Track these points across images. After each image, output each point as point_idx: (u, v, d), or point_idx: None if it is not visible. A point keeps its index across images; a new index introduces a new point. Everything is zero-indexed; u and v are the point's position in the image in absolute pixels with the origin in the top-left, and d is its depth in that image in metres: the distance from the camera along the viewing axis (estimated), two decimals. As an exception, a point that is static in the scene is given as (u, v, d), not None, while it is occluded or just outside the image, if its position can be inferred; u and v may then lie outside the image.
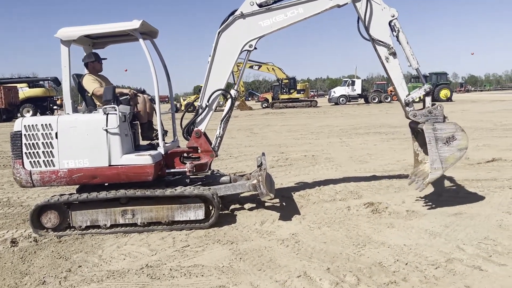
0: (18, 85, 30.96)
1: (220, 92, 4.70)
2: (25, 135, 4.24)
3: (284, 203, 5.12)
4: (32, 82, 32.89)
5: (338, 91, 40.71)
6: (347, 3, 4.54)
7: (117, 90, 4.71)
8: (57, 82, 34.41)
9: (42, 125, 4.25)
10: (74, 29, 4.42)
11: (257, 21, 4.49)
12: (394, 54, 4.70)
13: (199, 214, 4.29)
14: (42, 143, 4.24)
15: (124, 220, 4.27)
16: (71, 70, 4.49)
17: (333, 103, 39.95)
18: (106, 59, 5.11)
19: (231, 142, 11.93)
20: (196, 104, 4.89)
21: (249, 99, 58.93)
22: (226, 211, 4.87)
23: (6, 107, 27.88)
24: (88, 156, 4.27)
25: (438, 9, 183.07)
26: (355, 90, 40.08)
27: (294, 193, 5.56)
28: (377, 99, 39.99)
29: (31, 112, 29.87)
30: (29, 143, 4.24)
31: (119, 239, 4.07)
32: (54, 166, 4.24)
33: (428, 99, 4.82)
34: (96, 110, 4.65)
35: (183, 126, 4.86)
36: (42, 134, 4.24)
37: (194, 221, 4.31)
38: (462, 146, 4.48)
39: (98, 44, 5.10)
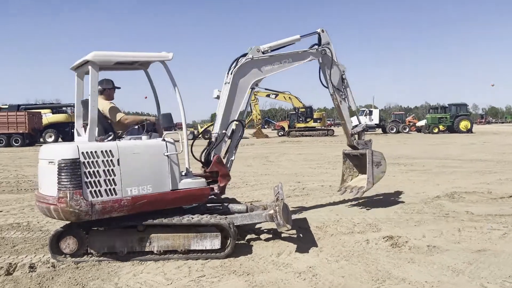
0: (42, 111, 31.92)
1: (236, 121, 5.22)
2: (83, 162, 3.93)
3: (301, 234, 5.06)
4: (56, 108, 33.92)
5: (355, 121, 40.59)
6: (321, 60, 6.08)
7: (142, 118, 4.89)
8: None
9: (102, 151, 4.02)
10: (108, 54, 4.32)
11: (261, 65, 5.37)
12: (344, 99, 6.34)
13: (215, 243, 4.26)
14: (104, 170, 4.00)
15: (141, 248, 4.27)
16: (72, 95, 4.61)
17: (350, 133, 39.76)
18: (120, 88, 5.23)
19: (247, 170, 11.95)
20: (212, 131, 5.14)
21: (265, 127, 59.23)
22: (242, 241, 4.82)
23: (30, 132, 28.63)
24: (151, 182, 4.24)
25: (459, 40, 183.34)
26: (372, 120, 39.95)
27: (311, 224, 5.50)
28: (395, 129, 39.75)
29: (53, 137, 30.66)
30: (89, 171, 3.94)
31: (135, 267, 4.06)
32: (116, 194, 4.04)
33: (362, 134, 6.54)
34: (123, 136, 4.70)
35: (201, 153, 5.08)
36: (102, 161, 4.01)
37: (210, 251, 4.28)
38: (384, 170, 6.42)
39: (109, 69, 4.97)
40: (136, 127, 4.93)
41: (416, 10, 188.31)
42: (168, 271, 3.93)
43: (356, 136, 6.45)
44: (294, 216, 5.68)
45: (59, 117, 32.10)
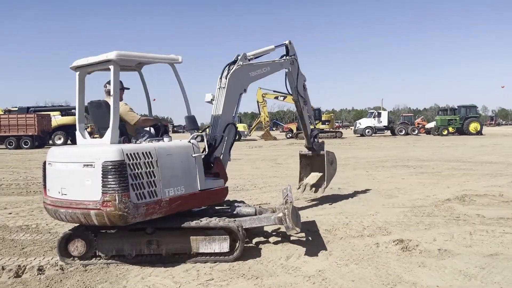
0: (51, 113, 32.20)
1: (231, 124, 5.35)
2: (129, 164, 3.85)
3: (310, 238, 5.01)
4: (65, 110, 34.18)
5: (364, 123, 40.46)
6: (289, 69, 6.64)
7: (155, 120, 4.91)
8: (87, 110, 35.57)
9: (143, 153, 3.98)
10: (130, 54, 4.27)
11: (250, 71, 5.68)
12: (306, 105, 7.09)
13: (224, 246, 4.23)
14: (145, 172, 3.97)
15: (149, 251, 4.26)
16: (80, 96, 4.52)
17: (359, 135, 39.64)
18: (129, 89, 5.15)
19: (256, 172, 11.92)
20: (208, 134, 5.19)
21: (274, 129, 59.17)
22: (251, 244, 4.79)
23: (39, 134, 28.86)
24: (183, 183, 4.30)
25: (468, 41, 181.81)
26: (381, 121, 39.74)
27: (320, 227, 5.45)
28: (404, 131, 39.50)
29: (62, 139, 30.89)
30: (134, 173, 3.87)
31: (144, 270, 4.05)
32: (156, 196, 4.03)
33: (318, 137, 7.34)
34: (137, 138, 4.68)
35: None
36: (144, 162, 3.97)
37: (219, 254, 4.25)
38: (335, 168, 7.36)
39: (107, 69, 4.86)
40: (148, 129, 4.92)
41: (426, 11, 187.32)
42: (176, 274, 3.91)
43: (313, 139, 7.21)
44: (302, 219, 5.63)
45: (68, 119, 32.34)
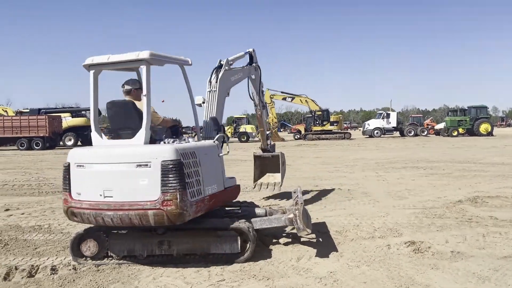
0: (62, 115, 32.56)
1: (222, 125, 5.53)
2: (184, 163, 3.89)
3: (320, 239, 5.00)
4: (75, 112, 34.57)
5: (372, 124, 40.28)
6: (254, 76, 7.09)
7: (174, 120, 4.97)
8: (98, 112, 35.91)
9: (190, 153, 4.04)
10: (161, 55, 4.28)
11: (232, 75, 6.13)
12: (264, 108, 7.70)
13: (235, 247, 4.24)
14: (194, 171, 4.04)
15: (161, 251, 4.28)
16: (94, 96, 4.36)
17: (367, 136, 39.45)
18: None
19: (265, 173, 11.89)
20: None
21: (281, 130, 59.12)
22: (261, 245, 4.79)
23: (50, 136, 29.19)
24: (216, 182, 4.46)
25: (478, 41, 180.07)
26: (390, 122, 39.55)
27: (330, 228, 5.43)
28: (413, 132, 39.24)
29: (72, 140, 31.24)
30: (187, 172, 3.92)
31: (155, 270, 4.07)
32: (201, 194, 4.13)
33: (270, 139, 7.90)
34: (156, 139, 4.58)
35: None
36: (192, 162, 4.04)
37: (230, 255, 4.26)
38: (285, 168, 8.02)
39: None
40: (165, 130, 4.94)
41: (435, 11, 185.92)
42: (187, 275, 3.92)
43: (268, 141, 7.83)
44: (313, 220, 5.61)
45: (78, 121, 32.71)
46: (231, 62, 6.24)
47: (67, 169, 4.15)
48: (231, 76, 6.10)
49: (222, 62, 5.96)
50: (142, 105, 4.42)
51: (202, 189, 4.13)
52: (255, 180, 7.76)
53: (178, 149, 3.89)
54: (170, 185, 3.76)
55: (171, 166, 3.76)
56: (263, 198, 7.78)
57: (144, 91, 4.11)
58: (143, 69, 4.11)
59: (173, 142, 4.40)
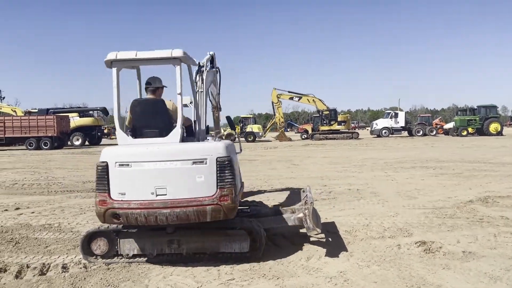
0: (70, 115, 32.83)
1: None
2: (233, 159, 4.13)
3: (330, 239, 4.97)
4: (83, 112, 34.88)
5: (380, 123, 40.07)
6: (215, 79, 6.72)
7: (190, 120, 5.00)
8: (105, 112, 36.24)
9: (231, 150, 4.31)
10: (190, 56, 4.46)
11: (208, 78, 5.82)
12: (220, 110, 7.28)
13: (244, 246, 4.24)
14: (236, 168, 4.32)
15: (170, 250, 4.28)
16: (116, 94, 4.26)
17: (375, 135, 39.25)
18: (167, 87, 5.07)
19: (272, 173, 11.89)
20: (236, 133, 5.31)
21: (288, 130, 59.05)
22: (271, 245, 4.78)
23: (58, 135, 29.43)
24: (239, 179, 4.64)
25: (487, 40, 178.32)
26: (398, 122, 39.32)
27: (340, 228, 5.40)
28: (421, 132, 38.99)
29: (80, 140, 31.49)
30: (235, 168, 4.24)
31: (165, 269, 4.08)
32: (238, 190, 4.32)
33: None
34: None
35: None
36: (233, 158, 4.23)
37: (239, 254, 4.25)
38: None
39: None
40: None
41: (443, 10, 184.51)
42: (197, 274, 3.93)
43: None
44: (322, 220, 5.59)
45: (86, 121, 32.97)
46: (207, 64, 6.19)
47: (104, 168, 3.95)
48: (209, 77, 6.06)
49: (201, 63, 5.87)
50: (168, 104, 4.60)
51: (238, 185, 4.33)
52: None
53: (227, 146, 4.08)
54: (226, 180, 3.91)
55: (226, 162, 3.92)
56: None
57: (178, 90, 4.18)
58: (176, 68, 4.18)
59: (202, 140, 4.62)
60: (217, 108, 7.36)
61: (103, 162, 3.97)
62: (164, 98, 4.81)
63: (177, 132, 4.19)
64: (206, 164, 3.89)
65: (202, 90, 5.56)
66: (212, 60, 6.79)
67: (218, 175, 3.89)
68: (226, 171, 3.91)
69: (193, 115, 5.41)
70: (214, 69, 6.84)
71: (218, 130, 7.67)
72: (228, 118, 5.25)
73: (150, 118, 4.47)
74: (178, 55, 4.12)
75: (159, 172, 3.90)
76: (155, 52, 4.23)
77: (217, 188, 3.89)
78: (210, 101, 7.15)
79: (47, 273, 4.05)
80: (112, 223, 4.13)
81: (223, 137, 7.67)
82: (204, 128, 5.27)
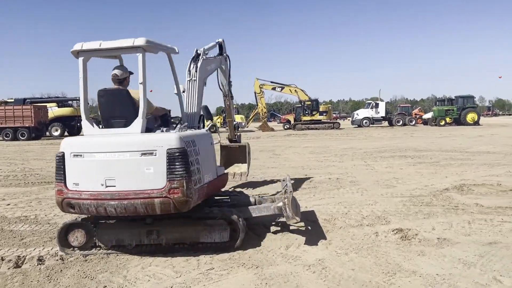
0: (48, 105, 32.03)
1: (201, 115, 5.50)
2: (188, 151, 3.90)
3: (309, 227, 5.02)
4: (61, 102, 34.02)
5: (361, 114, 40.47)
6: (223, 67, 7.04)
7: (165, 109, 4.93)
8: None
9: (191, 141, 4.06)
10: (156, 42, 4.21)
11: (209, 64, 6.12)
12: (232, 98, 7.66)
13: (224, 236, 4.24)
14: (195, 159, 4.05)
15: (149, 241, 4.25)
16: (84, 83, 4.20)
17: (356, 125, 39.66)
18: (133, 73, 4.70)
19: (254, 163, 11.88)
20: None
21: (271, 120, 59.10)
22: (250, 234, 4.80)
23: (36, 126, 28.78)
24: (211, 170, 4.48)
25: (465, 32, 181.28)
26: (378, 112, 39.78)
27: (319, 217, 5.46)
28: (401, 122, 39.56)
29: (59, 131, 30.81)
30: (191, 160, 3.94)
31: (144, 260, 4.05)
32: (202, 182, 4.17)
33: (237, 130, 7.85)
34: (151, 128, 4.49)
35: None
36: (193, 150, 4.06)
37: (219, 243, 4.26)
38: (251, 157, 8.08)
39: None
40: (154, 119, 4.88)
41: (423, 1, 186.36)
42: (177, 264, 3.91)
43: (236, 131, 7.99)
44: (301, 209, 5.63)
45: (65, 111, 32.21)
46: (207, 52, 6.18)
47: (61, 158, 3.99)
48: (207, 66, 6.06)
49: (199, 52, 5.90)
50: (134, 93, 4.35)
51: (202, 177, 4.17)
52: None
53: (182, 137, 3.90)
54: (176, 173, 3.75)
55: (177, 154, 3.76)
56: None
57: (140, 79, 4.04)
58: (139, 56, 4.02)
59: (167, 130, 4.39)
60: (228, 96, 7.46)
61: (60, 152, 4.03)
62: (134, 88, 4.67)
63: (138, 122, 4.04)
64: (155, 156, 3.77)
65: (195, 78, 5.52)
66: (220, 47, 6.83)
67: (167, 167, 3.75)
68: (177, 163, 3.75)
69: (185, 104, 5.33)
70: (220, 57, 6.80)
71: (230, 118, 7.81)
72: (205, 108, 5.17)
73: (115, 108, 4.38)
74: (140, 43, 3.98)
75: (109, 163, 3.86)
76: (118, 41, 4.10)
77: (166, 181, 3.76)
78: (220, 89, 7.36)
79: (22, 265, 3.98)
80: (69, 213, 4.16)
81: (236, 126, 7.82)
82: (197, 117, 5.33)
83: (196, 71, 5.63)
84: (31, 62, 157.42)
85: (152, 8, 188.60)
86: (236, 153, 7.91)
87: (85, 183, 3.91)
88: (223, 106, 8.06)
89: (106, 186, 3.85)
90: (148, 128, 4.30)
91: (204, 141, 4.48)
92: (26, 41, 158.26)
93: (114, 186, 3.83)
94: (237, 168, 7.81)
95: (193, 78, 5.60)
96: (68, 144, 4.04)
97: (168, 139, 3.82)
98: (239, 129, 35.79)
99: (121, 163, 3.83)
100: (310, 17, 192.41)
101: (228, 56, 7.08)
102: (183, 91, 5.42)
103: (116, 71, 4.48)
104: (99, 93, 4.39)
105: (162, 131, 4.36)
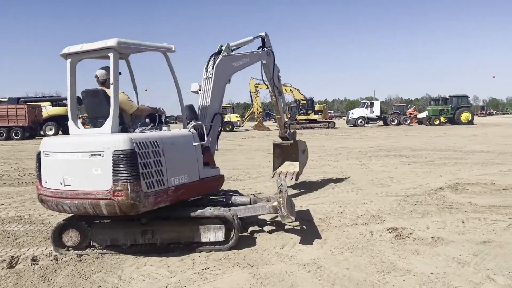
0: (42, 104, 31.79)
1: (218, 114, 5.44)
2: (139, 153, 3.79)
3: (304, 226, 5.03)
4: (56, 101, 33.75)
5: (356, 113, 40.57)
6: (266, 61, 6.68)
7: (153, 109, 4.86)
8: (79, 101, 35.29)
9: (150, 142, 3.95)
10: (130, 42, 4.16)
11: (233, 61, 5.79)
12: (280, 94, 7.30)
13: (219, 235, 4.23)
14: (153, 161, 3.94)
15: (144, 240, 4.24)
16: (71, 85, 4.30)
17: (351, 125, 39.76)
18: (121, 73, 4.60)
19: (249, 162, 11.91)
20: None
21: (266, 119, 59.13)
22: (246, 233, 4.80)
23: (30, 125, 28.57)
24: (186, 172, 4.33)
25: (459, 32, 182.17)
26: (373, 112, 39.89)
27: (314, 216, 5.47)
28: (396, 121, 39.70)
29: (53, 130, 30.58)
30: (143, 162, 3.82)
31: (139, 260, 4.04)
32: (164, 185, 4.03)
33: (290, 127, 7.45)
34: (134, 128, 4.52)
35: None
36: (152, 151, 3.94)
37: (214, 243, 4.25)
38: (307, 156, 7.74)
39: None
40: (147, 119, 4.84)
41: (417, 2, 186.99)
42: (171, 264, 3.91)
43: (286, 128, 7.45)
44: (297, 208, 5.64)
45: (59, 110, 31.94)
46: (234, 48, 5.97)
47: (37, 157, 4.25)
48: (233, 62, 5.79)
49: (222, 48, 5.70)
50: (125, 96, 4.44)
51: (165, 180, 4.04)
52: (274, 168, 7.50)
53: (133, 138, 3.80)
54: (121, 175, 3.70)
55: (122, 156, 3.69)
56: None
57: (112, 79, 4.03)
58: (111, 57, 4.02)
59: (141, 130, 4.38)
60: (274, 93, 7.13)
61: (38, 151, 4.28)
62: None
63: (108, 122, 4.01)
64: (102, 157, 3.74)
65: (211, 76, 5.37)
66: (263, 41, 6.62)
67: (113, 169, 3.70)
68: (121, 166, 3.68)
69: (199, 102, 5.23)
70: (261, 51, 6.52)
71: (279, 115, 7.34)
72: (188, 107, 4.90)
73: (96, 109, 4.46)
74: (112, 44, 3.97)
75: (67, 163, 3.95)
76: (94, 43, 4.13)
77: (111, 183, 3.72)
78: (265, 85, 7.22)
79: (16, 265, 3.95)
80: (45, 208, 4.28)
81: (288, 125, 7.31)
82: (208, 115, 5.23)
83: (212, 69, 5.43)
84: (25, 61, 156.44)
85: (151, 7, 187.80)
86: (287, 151, 7.49)
87: (50, 181, 4.09)
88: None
89: (64, 185, 3.94)
90: (124, 128, 4.31)
91: (179, 142, 4.34)
92: (20, 40, 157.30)
93: (70, 185, 3.92)
94: (291, 167, 7.34)
95: (209, 76, 5.42)
96: (43, 143, 4.26)
97: (116, 140, 3.77)
98: (234, 129, 35.79)
99: (75, 163, 3.90)
100: (305, 16, 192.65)
101: (272, 51, 6.71)
102: (199, 89, 5.34)
103: (97, 72, 4.60)
104: (82, 94, 4.52)
105: (133, 131, 4.38)
